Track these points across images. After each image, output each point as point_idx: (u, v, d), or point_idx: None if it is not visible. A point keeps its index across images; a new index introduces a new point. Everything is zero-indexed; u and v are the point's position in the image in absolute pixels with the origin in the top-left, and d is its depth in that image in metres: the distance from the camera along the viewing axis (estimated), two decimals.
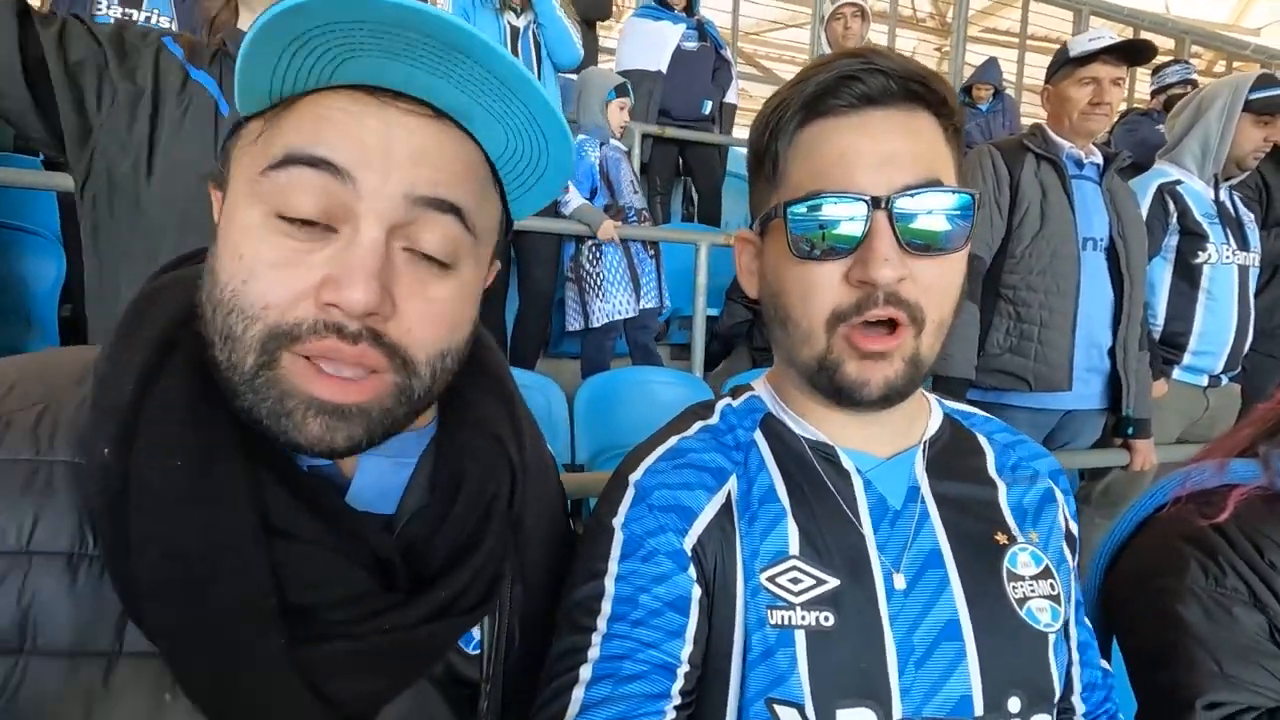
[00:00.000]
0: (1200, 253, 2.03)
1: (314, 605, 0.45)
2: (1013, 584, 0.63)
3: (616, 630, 0.58)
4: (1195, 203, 2.05)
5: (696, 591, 0.60)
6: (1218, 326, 2.02)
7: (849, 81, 0.58)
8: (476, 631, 0.56)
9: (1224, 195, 2.09)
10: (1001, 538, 0.65)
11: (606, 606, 0.59)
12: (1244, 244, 2.08)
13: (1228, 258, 2.03)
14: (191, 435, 0.44)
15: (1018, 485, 0.70)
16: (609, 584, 0.60)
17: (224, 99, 1.11)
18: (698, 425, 0.70)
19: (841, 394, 0.61)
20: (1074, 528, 0.73)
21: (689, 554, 0.61)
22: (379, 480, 0.53)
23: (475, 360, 0.58)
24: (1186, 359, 2.08)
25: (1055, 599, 0.65)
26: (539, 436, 0.66)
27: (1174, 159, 2.11)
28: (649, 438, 0.70)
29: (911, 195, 0.57)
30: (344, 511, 0.49)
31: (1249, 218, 2.12)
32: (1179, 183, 2.06)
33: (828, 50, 3.75)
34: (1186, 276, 2.05)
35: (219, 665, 0.42)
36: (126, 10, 1.89)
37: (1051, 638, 0.63)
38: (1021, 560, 0.65)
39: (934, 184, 0.58)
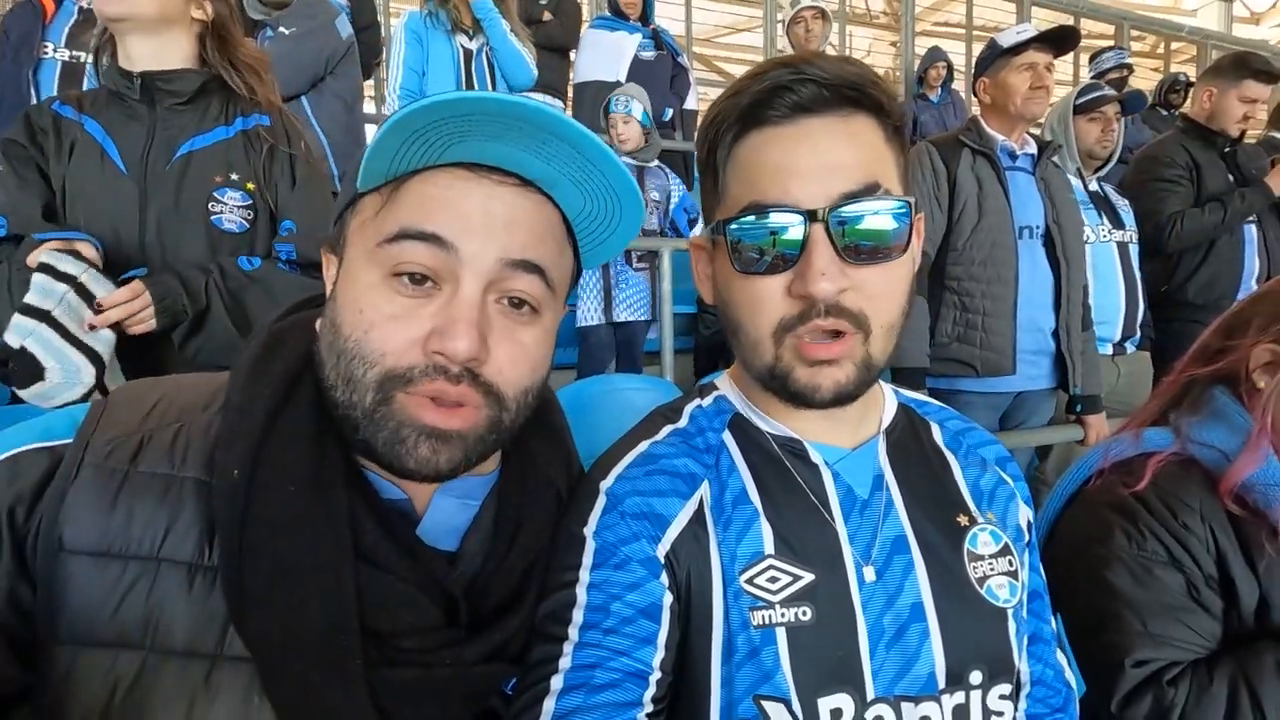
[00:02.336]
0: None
1: (389, 631, 0.50)
2: (973, 564, 0.65)
3: (588, 639, 0.58)
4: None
5: (669, 598, 0.60)
6: (1106, 298, 2.17)
7: (782, 92, 0.57)
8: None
9: (1094, 184, 2.32)
10: (963, 519, 0.67)
11: (578, 615, 0.59)
12: (1118, 223, 2.29)
13: (1104, 236, 2.23)
14: (309, 464, 0.51)
15: (972, 468, 0.72)
16: (581, 593, 0.60)
17: (110, 140, 1.21)
18: (667, 429, 0.70)
19: (795, 398, 0.62)
20: (1028, 513, 0.73)
21: (662, 561, 0.61)
22: (447, 518, 0.59)
23: (542, 416, 0.66)
24: None
25: (1014, 574, 0.67)
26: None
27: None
28: (617, 443, 0.70)
29: (847, 206, 0.57)
30: (418, 544, 0.55)
31: (1121, 202, 2.36)
32: None
33: (790, 52, 3.85)
34: None
35: (304, 675, 0.47)
36: (74, 53, 1.89)
37: (1010, 612, 0.65)
38: (982, 540, 0.67)
39: (872, 189, 0.57)
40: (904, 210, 0.58)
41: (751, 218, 0.59)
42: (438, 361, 0.50)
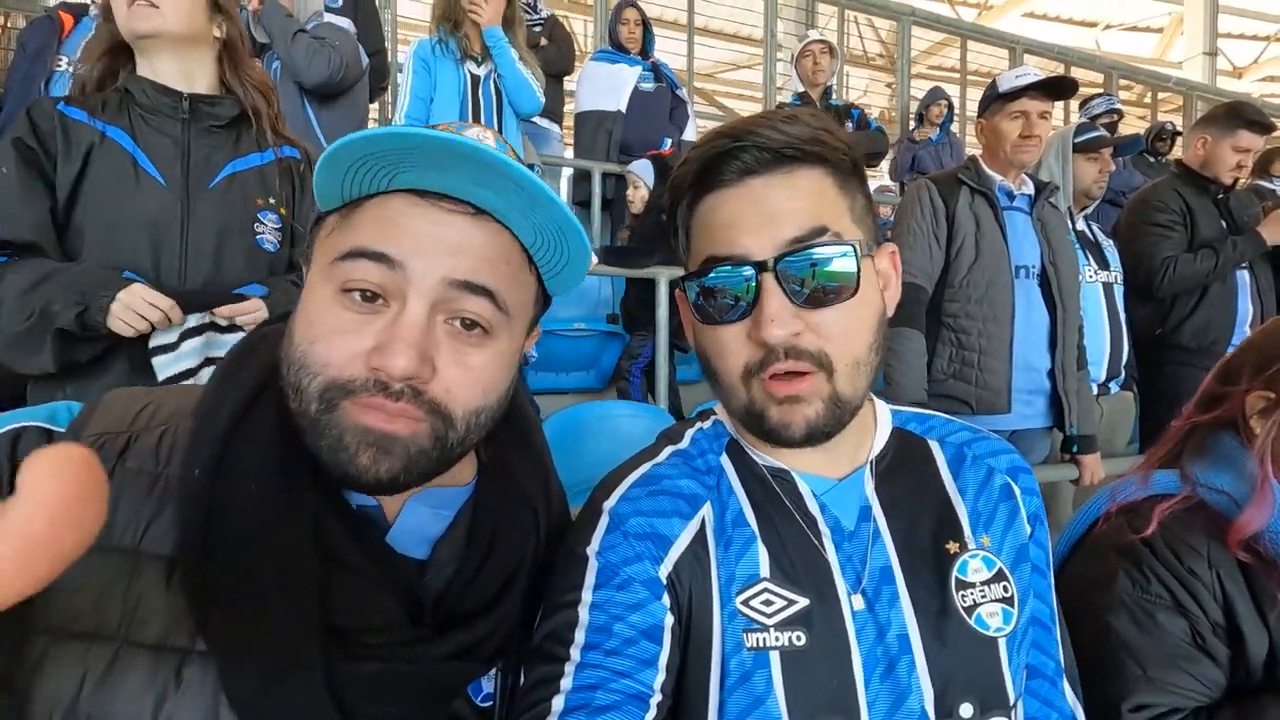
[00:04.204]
0: None
1: (352, 629, 0.51)
2: (962, 592, 0.64)
3: (590, 659, 0.58)
4: None
5: (670, 620, 0.60)
6: (1092, 339, 2.18)
7: (726, 158, 0.61)
8: (488, 684, 0.60)
9: (1081, 224, 2.34)
10: (953, 546, 0.66)
11: (580, 635, 0.59)
12: (1104, 264, 2.32)
13: (1090, 277, 2.25)
14: (271, 466, 0.52)
15: (971, 487, 0.70)
16: (583, 613, 0.60)
17: (140, 151, 1.23)
18: (669, 450, 0.71)
19: (769, 436, 0.63)
20: (1029, 529, 0.71)
21: (664, 582, 0.61)
22: (418, 527, 0.59)
23: (521, 436, 0.68)
24: None
25: (1008, 601, 0.65)
26: (564, 510, 0.72)
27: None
28: (621, 465, 0.71)
29: (794, 254, 0.59)
30: (385, 548, 0.56)
31: (1107, 242, 2.38)
32: None
33: (800, 87, 3.94)
34: None
35: (264, 672, 0.47)
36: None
37: (1003, 642, 0.63)
38: (972, 566, 0.66)
39: (818, 233, 0.60)
40: (849, 253, 0.60)
41: (707, 273, 0.62)
42: (378, 377, 0.51)
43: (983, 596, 0.65)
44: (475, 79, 2.55)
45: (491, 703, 0.61)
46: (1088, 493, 2.07)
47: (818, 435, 0.62)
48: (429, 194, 0.53)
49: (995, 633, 0.64)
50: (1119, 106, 4.19)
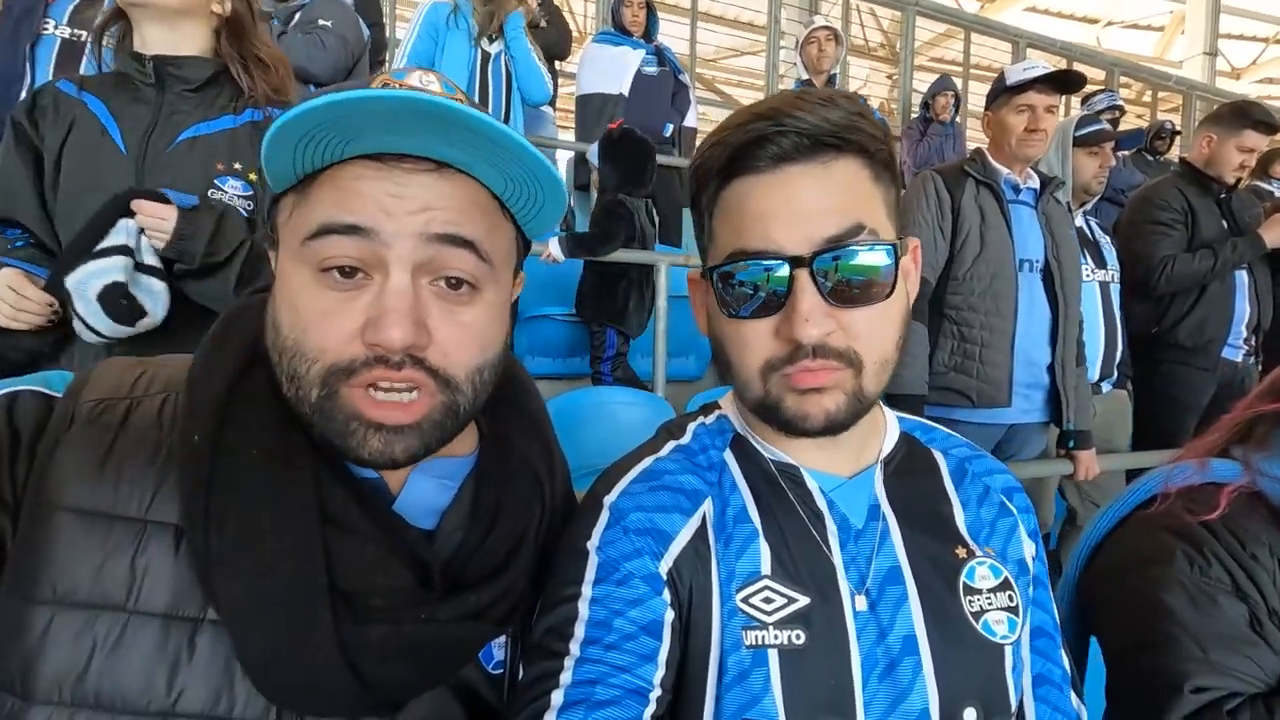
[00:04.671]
0: None
1: (359, 591, 0.50)
2: (969, 598, 0.64)
3: (589, 654, 0.57)
4: None
5: (670, 615, 0.60)
6: (1087, 337, 2.17)
7: (762, 143, 0.58)
8: (499, 651, 0.60)
9: (1080, 221, 2.32)
10: (961, 552, 0.66)
11: (580, 630, 0.58)
12: (1101, 262, 2.31)
13: (1087, 276, 2.23)
14: (270, 432, 0.51)
15: (972, 501, 0.70)
16: (582, 607, 0.59)
17: (112, 118, 1.23)
18: (670, 445, 0.70)
19: (786, 426, 0.62)
20: (1033, 547, 0.72)
21: (664, 578, 0.61)
22: (423, 498, 0.59)
23: (517, 404, 0.67)
24: None
25: (1014, 610, 0.65)
26: (568, 476, 0.70)
27: None
28: (622, 459, 0.70)
29: (831, 250, 0.57)
30: (391, 515, 0.55)
31: (1105, 240, 2.37)
32: None
33: (804, 74, 3.88)
34: None
35: (273, 635, 0.47)
36: (75, 31, 1.85)
37: (1008, 649, 0.64)
38: (980, 574, 0.66)
39: (856, 231, 0.57)
40: (888, 251, 0.58)
41: (736, 265, 0.59)
42: (377, 352, 0.50)
43: (989, 603, 0.64)
44: (486, 56, 2.51)
45: (503, 670, 0.60)
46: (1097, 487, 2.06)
47: (836, 427, 0.61)
48: (386, 156, 0.51)
49: (1001, 640, 0.63)
50: (1121, 103, 4.18)
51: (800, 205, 0.58)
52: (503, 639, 0.60)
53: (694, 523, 0.63)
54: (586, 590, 0.60)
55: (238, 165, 1.27)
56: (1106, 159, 2.31)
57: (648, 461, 0.68)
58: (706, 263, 0.65)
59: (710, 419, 0.73)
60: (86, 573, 0.47)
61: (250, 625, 0.47)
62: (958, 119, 4.86)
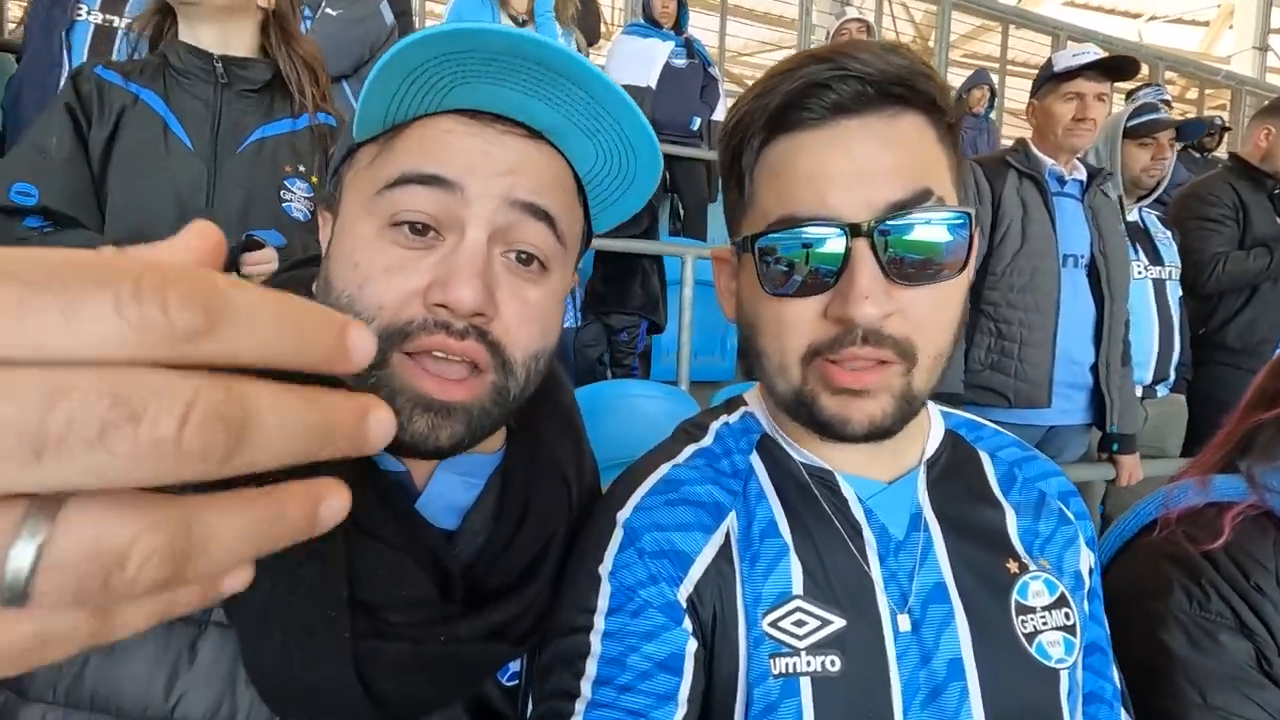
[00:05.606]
0: None
1: (379, 604, 0.47)
2: (1022, 617, 0.58)
3: (601, 697, 0.52)
4: None
5: (692, 645, 0.54)
6: (1139, 338, 2.06)
7: (818, 90, 0.50)
8: (515, 663, 0.57)
9: (1134, 215, 2.20)
10: (1012, 566, 0.60)
11: (591, 667, 0.53)
12: (1156, 259, 2.18)
13: (1139, 272, 2.12)
14: None
15: (1025, 507, 0.64)
16: (594, 641, 0.54)
17: (171, 114, 1.23)
18: (690, 449, 0.64)
19: (823, 429, 0.55)
20: (1090, 558, 0.66)
21: (684, 605, 0.55)
22: (448, 495, 0.55)
23: (551, 397, 0.62)
24: None
25: (1070, 629, 0.59)
26: (597, 481, 0.67)
27: None
28: (637, 464, 0.64)
29: (896, 218, 0.50)
30: (415, 517, 0.52)
31: (1164, 235, 2.23)
32: None
33: None
34: None
35: (285, 645, 0.44)
36: (107, 16, 1.87)
37: (1064, 674, 0.57)
38: (1033, 590, 0.59)
39: (924, 197, 0.50)
40: (962, 221, 0.51)
41: (784, 232, 0.52)
42: (440, 316, 0.46)
43: (1044, 623, 0.58)
44: None
45: (518, 681, 0.57)
46: (1136, 494, 2.00)
47: (881, 434, 0.54)
48: (481, 115, 0.49)
49: (1057, 664, 0.57)
50: (1167, 97, 4.03)
51: (861, 165, 0.50)
52: None
53: (716, 540, 0.57)
54: (599, 622, 0.55)
55: (301, 167, 1.30)
56: (1162, 150, 2.15)
57: (665, 469, 0.61)
58: (742, 232, 0.57)
59: (734, 417, 0.67)
60: None
61: (262, 633, 0.45)
62: (992, 114, 4.74)
